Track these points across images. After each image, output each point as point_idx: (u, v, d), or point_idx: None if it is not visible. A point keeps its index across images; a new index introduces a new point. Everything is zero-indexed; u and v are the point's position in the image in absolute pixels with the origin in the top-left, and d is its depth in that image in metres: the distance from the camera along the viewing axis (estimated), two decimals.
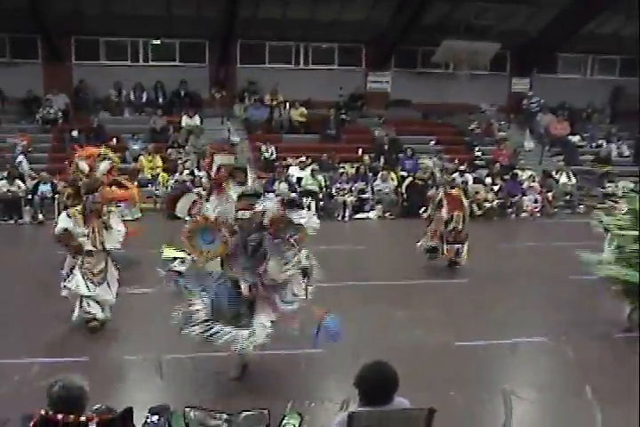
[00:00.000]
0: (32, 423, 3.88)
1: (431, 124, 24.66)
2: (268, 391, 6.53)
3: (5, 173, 18.48)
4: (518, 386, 6.93)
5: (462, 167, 20.45)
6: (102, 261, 8.72)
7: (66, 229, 8.61)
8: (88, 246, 8.60)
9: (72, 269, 8.69)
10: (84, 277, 8.54)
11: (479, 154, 22.92)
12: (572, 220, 18.66)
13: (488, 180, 20.76)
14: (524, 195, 20.25)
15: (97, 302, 8.59)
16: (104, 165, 9.69)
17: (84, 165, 9.42)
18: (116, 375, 7.20)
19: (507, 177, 20.89)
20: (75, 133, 20.95)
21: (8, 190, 17.94)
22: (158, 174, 19.76)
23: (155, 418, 4.52)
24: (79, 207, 8.79)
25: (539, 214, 20.04)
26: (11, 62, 22.90)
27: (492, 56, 23.61)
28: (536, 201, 20.25)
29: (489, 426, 6.31)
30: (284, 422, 4.46)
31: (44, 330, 8.47)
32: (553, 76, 26.14)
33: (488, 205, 19.18)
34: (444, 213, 12.21)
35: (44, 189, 17.95)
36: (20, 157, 19.39)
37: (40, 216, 17.63)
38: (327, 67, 24.87)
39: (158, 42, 24.26)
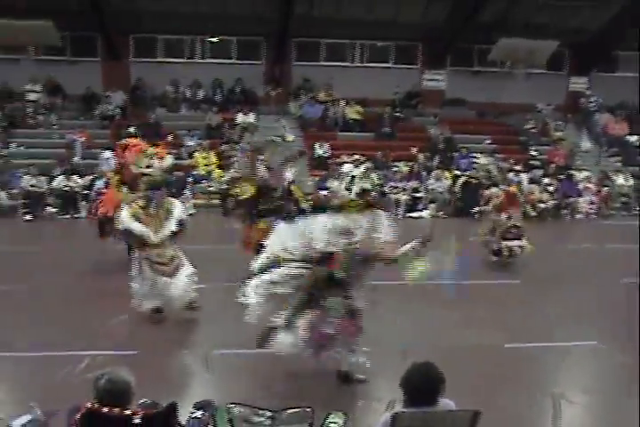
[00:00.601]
0: (78, 415, 3.95)
1: (486, 123, 24.41)
2: (314, 388, 6.52)
3: (62, 169, 18.84)
4: (568, 390, 6.83)
5: (517, 167, 20.22)
6: (169, 250, 8.77)
7: (128, 228, 8.71)
8: (153, 239, 8.64)
9: (140, 263, 8.72)
10: (152, 270, 8.60)
11: (535, 154, 22.62)
12: (628, 222, 18.31)
13: (543, 180, 20.48)
14: (579, 196, 19.95)
15: (162, 295, 8.63)
16: (168, 162, 9.83)
17: (141, 160, 9.53)
18: (164, 370, 7.25)
19: (562, 178, 20.60)
20: (132, 129, 21.18)
21: (65, 186, 18.25)
22: (213, 171, 19.91)
23: (199, 413, 4.56)
24: (141, 202, 8.84)
25: (594, 216, 19.73)
26: (71, 60, 23.30)
27: (550, 54, 23.26)
28: (592, 202, 19.94)
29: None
30: (329, 420, 4.46)
31: (97, 323, 8.57)
32: (612, 74, 25.60)
33: (543, 205, 18.93)
34: (503, 211, 12.25)
35: (100, 184, 18.19)
36: (107, 153, 19.65)
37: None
38: (383, 65, 24.80)
39: (215, 39, 24.44)
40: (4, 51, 22.03)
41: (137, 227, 8.64)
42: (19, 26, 20.22)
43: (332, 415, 4.51)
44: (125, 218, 8.76)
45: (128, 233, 8.84)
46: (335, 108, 23.23)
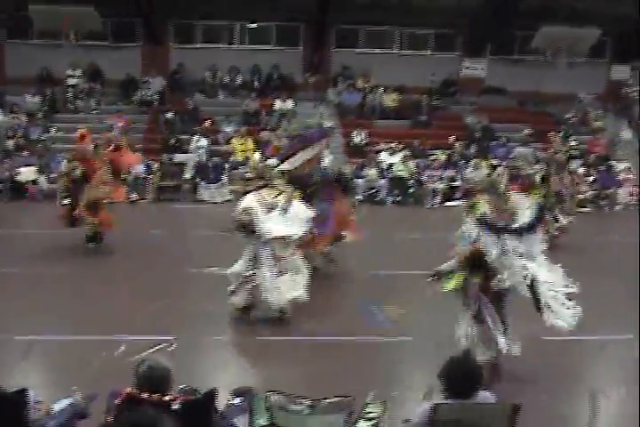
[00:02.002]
0: (118, 401, 3.98)
1: (526, 112, 24.12)
2: (350, 378, 6.52)
3: None
4: (605, 384, 6.76)
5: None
6: (290, 248, 8.18)
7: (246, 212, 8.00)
8: (275, 233, 7.98)
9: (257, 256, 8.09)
10: (269, 265, 8.02)
11: (574, 144, 22.32)
12: None
13: (582, 170, 20.24)
14: (619, 187, 19.70)
15: (267, 291, 8.04)
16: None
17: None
18: (202, 356, 7.30)
19: (602, 168, 20.35)
20: (170, 115, 21.36)
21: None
22: (250, 157, 19.92)
23: (237, 400, 4.58)
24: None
25: (633, 207, 19.45)
26: (111, 46, 23.46)
27: (593, 42, 22.92)
28: (631, 193, 19.67)
29: (574, 424, 6.18)
30: (367, 409, 4.46)
31: (136, 308, 8.64)
32: None
33: (581, 196, 18.70)
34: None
35: (138, 169, 18.33)
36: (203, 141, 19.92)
37: (133, 196, 18.06)
38: (421, 52, 24.66)
39: (254, 25, 24.44)
40: (45, 36, 22.29)
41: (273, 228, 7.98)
42: (60, 11, 20.43)
43: (370, 405, 4.51)
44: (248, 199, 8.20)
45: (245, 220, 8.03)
46: (373, 96, 23.13)
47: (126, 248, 12.19)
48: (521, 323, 7.19)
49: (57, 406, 4.49)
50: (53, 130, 21.04)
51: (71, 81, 22.62)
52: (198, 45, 24.09)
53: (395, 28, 24.47)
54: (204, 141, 19.96)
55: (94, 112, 22.14)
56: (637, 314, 8.18)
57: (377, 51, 24.38)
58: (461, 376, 4.22)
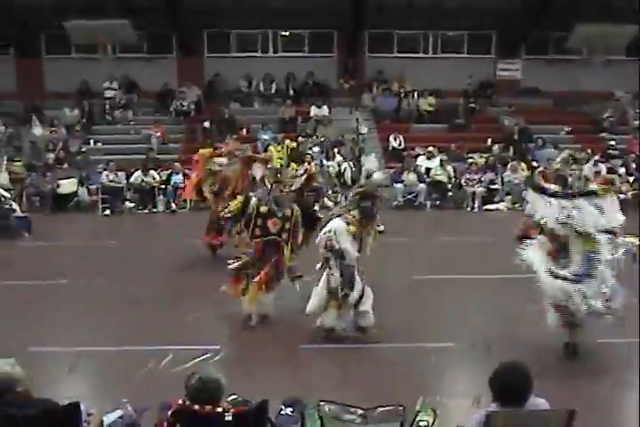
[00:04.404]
0: (170, 413, 3.98)
1: (563, 112, 23.89)
2: (398, 386, 6.47)
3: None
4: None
5: (596, 157, 19.74)
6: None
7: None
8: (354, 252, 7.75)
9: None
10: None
11: (613, 143, 22.02)
12: None
13: (622, 170, 19.97)
14: None
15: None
16: None
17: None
18: (247, 364, 7.27)
19: None
20: (206, 124, 21.49)
21: (143, 180, 18.53)
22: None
23: (289, 410, 4.57)
24: (355, 213, 7.83)
25: None
26: (147, 58, 23.71)
27: (629, 40, 22.61)
28: None
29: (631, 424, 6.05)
30: (419, 418, 4.43)
31: (178, 317, 8.65)
32: None
33: (622, 196, 18.43)
34: None
35: (177, 179, 18.46)
36: None
37: (173, 205, 18.19)
38: (456, 55, 24.54)
39: (287, 33, 24.53)
40: (83, 50, 22.57)
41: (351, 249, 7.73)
42: (96, 26, 20.69)
43: (421, 413, 4.48)
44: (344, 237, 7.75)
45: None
46: (409, 100, 23.06)
47: (161, 258, 12.30)
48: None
49: (107, 419, 4.51)
50: (92, 142, 21.25)
51: (108, 93, 22.89)
52: (232, 54, 24.25)
53: (428, 31, 24.42)
54: None
55: (131, 123, 22.34)
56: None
57: (411, 55, 24.33)
58: (511, 383, 4.17)
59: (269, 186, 8.75)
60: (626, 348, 7.56)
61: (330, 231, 7.65)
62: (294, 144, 9.49)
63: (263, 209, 8.27)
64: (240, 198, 8.50)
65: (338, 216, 7.82)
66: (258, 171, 10.31)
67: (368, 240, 7.92)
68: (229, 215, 8.45)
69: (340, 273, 7.66)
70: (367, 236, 7.92)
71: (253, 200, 8.35)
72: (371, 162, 19.00)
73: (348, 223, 7.67)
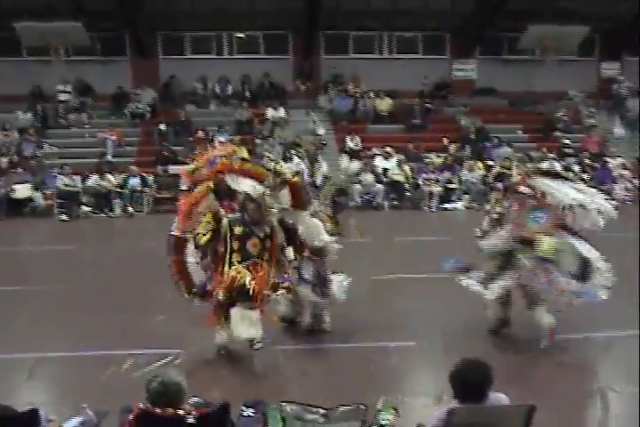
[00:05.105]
0: (131, 417, 3.94)
1: (518, 112, 24.19)
2: (359, 385, 6.48)
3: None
4: (614, 381, 6.70)
5: (550, 156, 20.00)
6: None
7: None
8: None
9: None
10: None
11: (567, 142, 22.34)
12: None
13: (577, 168, 20.25)
14: (614, 183, 19.70)
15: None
16: None
17: None
18: (208, 367, 7.23)
19: (596, 165, 20.36)
20: (162, 127, 21.35)
21: (99, 184, 18.34)
22: None
23: (250, 411, 4.54)
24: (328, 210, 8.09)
25: (630, 203, 19.43)
26: (100, 60, 23.48)
27: (580, 40, 22.95)
28: (627, 189, 19.67)
29: (589, 421, 6.12)
30: (380, 417, 4.43)
31: (138, 322, 8.57)
32: None
33: None
34: None
35: (134, 182, 18.33)
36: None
37: (130, 209, 18.04)
38: (411, 56, 24.68)
39: (242, 35, 24.48)
40: (34, 53, 22.26)
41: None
42: (48, 28, 20.43)
43: (383, 412, 4.48)
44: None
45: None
46: (365, 101, 23.14)
47: (129, 260, 12.21)
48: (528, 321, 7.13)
49: (68, 425, 4.45)
50: (46, 146, 20.98)
51: (62, 96, 22.62)
52: (188, 56, 24.15)
53: (383, 32, 24.53)
54: None
55: (86, 126, 22.07)
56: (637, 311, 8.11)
57: (367, 56, 24.46)
58: (471, 380, 4.19)
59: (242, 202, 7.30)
60: (583, 343, 7.70)
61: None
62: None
63: (238, 230, 7.13)
64: (209, 216, 7.24)
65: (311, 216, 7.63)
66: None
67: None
68: (202, 244, 7.23)
69: (316, 272, 7.73)
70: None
71: (225, 221, 7.18)
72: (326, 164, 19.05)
73: (322, 221, 7.66)
